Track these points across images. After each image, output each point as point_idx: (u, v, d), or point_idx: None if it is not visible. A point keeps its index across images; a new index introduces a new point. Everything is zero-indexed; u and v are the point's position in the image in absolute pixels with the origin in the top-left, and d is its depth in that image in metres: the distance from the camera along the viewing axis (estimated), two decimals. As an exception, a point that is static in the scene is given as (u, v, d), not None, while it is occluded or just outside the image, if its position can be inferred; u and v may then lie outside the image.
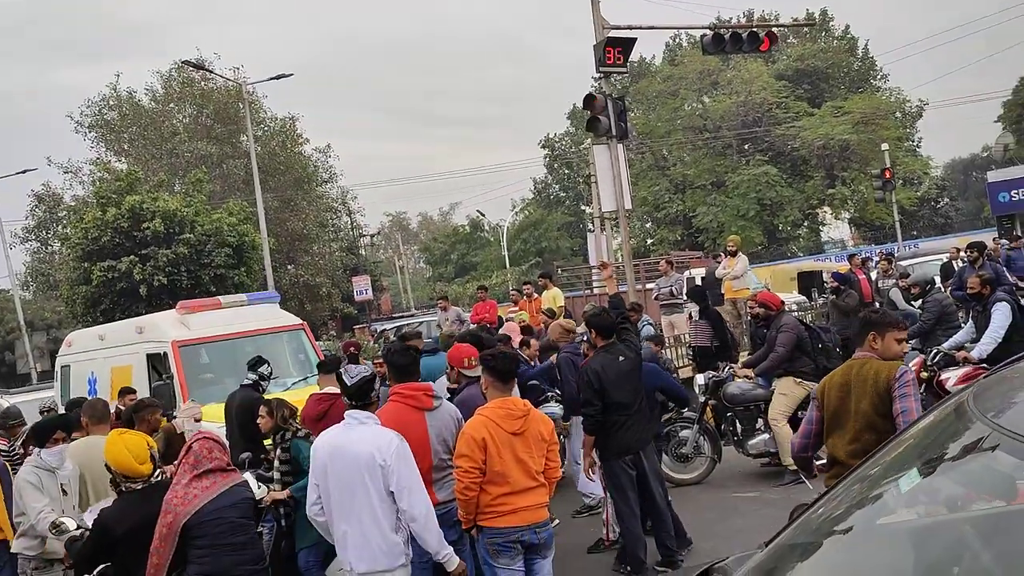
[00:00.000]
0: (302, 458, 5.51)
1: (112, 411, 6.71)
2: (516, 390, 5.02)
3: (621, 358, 6.03)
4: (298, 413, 6.04)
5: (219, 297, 11.45)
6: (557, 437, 7.51)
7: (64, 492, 5.31)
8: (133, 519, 3.99)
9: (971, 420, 1.99)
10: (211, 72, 29.41)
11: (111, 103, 32.80)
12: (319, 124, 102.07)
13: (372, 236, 54.66)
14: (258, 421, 5.82)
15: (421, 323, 22.22)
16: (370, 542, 4.01)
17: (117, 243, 20.81)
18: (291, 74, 24.45)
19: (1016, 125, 45.87)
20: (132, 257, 20.43)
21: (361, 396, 4.24)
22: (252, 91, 29.27)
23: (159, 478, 4.19)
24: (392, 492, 4.02)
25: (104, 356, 10.74)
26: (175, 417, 8.83)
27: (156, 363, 9.96)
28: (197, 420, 6.73)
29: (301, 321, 11.28)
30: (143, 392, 9.24)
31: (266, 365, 7.61)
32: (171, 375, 9.48)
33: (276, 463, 5.63)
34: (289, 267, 32.47)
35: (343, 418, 4.30)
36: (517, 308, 13.87)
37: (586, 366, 6.11)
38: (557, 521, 7.23)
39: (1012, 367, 2.27)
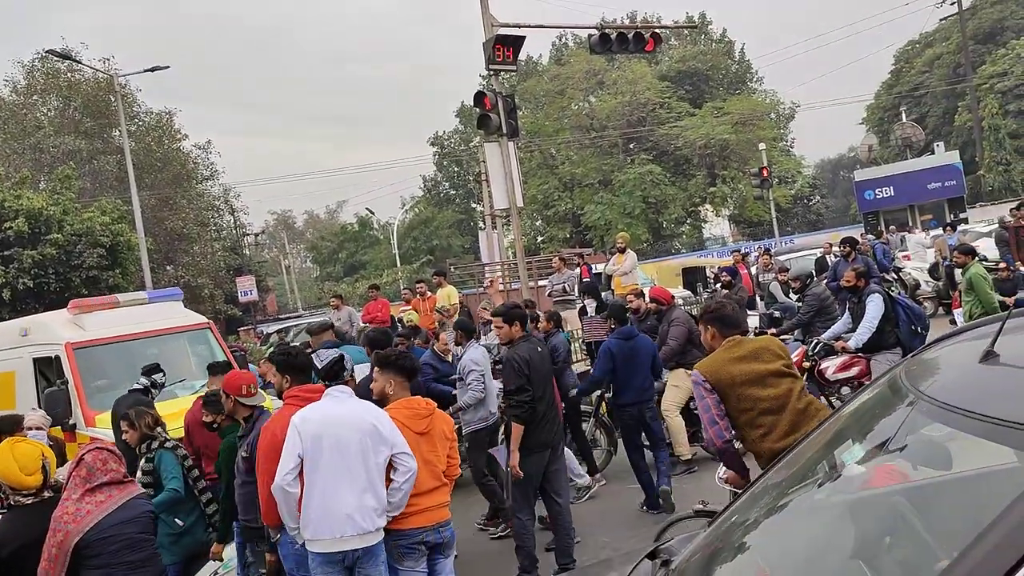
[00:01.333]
0: (162, 469, 5.26)
1: None
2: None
3: (540, 348, 5.96)
4: (162, 420, 5.72)
5: (116, 295, 10.70)
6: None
7: None
8: (21, 537, 3.68)
9: (905, 395, 2.10)
10: (78, 62, 27.66)
11: (-36, 95, 30.53)
12: (199, 120, 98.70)
13: (256, 235, 53.08)
14: (123, 436, 5.50)
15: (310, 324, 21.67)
16: (366, 504, 4.17)
17: (-25, 245, 19.39)
18: (167, 66, 23.33)
19: (878, 127, 49.02)
20: (-8, 259, 19.11)
21: (333, 376, 4.59)
22: (124, 83, 27.78)
23: (52, 493, 3.85)
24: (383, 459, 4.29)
25: None
26: (74, 426, 8.30)
27: (45, 368, 9.20)
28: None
29: (207, 320, 10.67)
30: (31, 400, 8.66)
31: (161, 373, 7.28)
32: (65, 380, 8.72)
33: (139, 474, 5.32)
34: (168, 268, 31.02)
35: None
36: (409, 307, 13.72)
37: (512, 353, 5.77)
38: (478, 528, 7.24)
39: (933, 347, 2.41)
